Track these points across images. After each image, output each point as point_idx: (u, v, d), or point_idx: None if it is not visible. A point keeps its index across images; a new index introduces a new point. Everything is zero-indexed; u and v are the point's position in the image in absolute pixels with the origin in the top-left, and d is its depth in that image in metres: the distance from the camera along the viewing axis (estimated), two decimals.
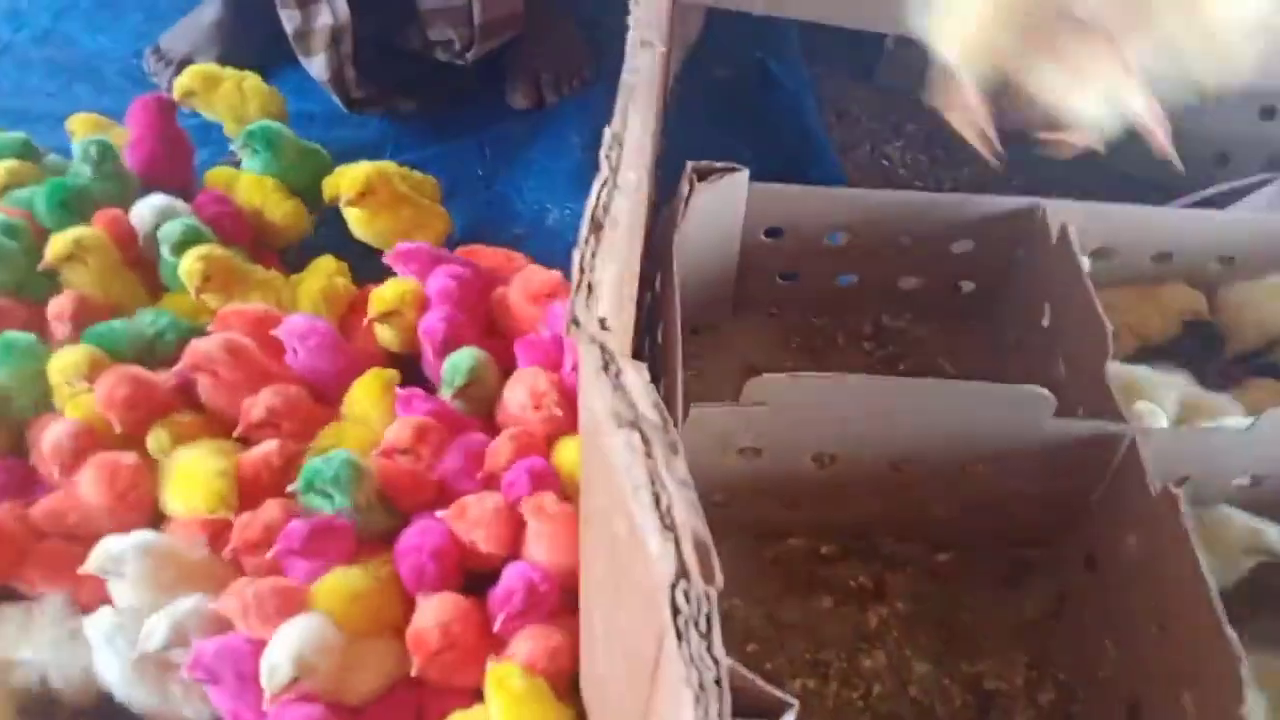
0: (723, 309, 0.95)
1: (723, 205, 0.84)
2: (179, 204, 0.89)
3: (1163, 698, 0.65)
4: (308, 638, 0.65)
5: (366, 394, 0.79)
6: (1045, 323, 0.85)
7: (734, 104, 1.10)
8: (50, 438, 0.73)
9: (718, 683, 0.33)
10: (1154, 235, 0.89)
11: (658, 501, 0.36)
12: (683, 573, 0.34)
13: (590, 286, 0.41)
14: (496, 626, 0.66)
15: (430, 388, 0.84)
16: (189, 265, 0.82)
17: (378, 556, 0.72)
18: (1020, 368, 0.89)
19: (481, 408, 0.82)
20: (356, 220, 0.90)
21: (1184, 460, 0.72)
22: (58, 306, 0.81)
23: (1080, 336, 0.77)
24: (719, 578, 0.35)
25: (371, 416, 0.79)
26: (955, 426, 0.72)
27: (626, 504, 0.37)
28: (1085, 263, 0.79)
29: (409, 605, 0.70)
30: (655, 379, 0.74)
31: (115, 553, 0.66)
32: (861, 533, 0.82)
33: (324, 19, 1.02)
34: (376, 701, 0.68)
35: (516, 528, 0.71)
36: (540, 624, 0.67)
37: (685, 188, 0.80)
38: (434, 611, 0.68)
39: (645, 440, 0.37)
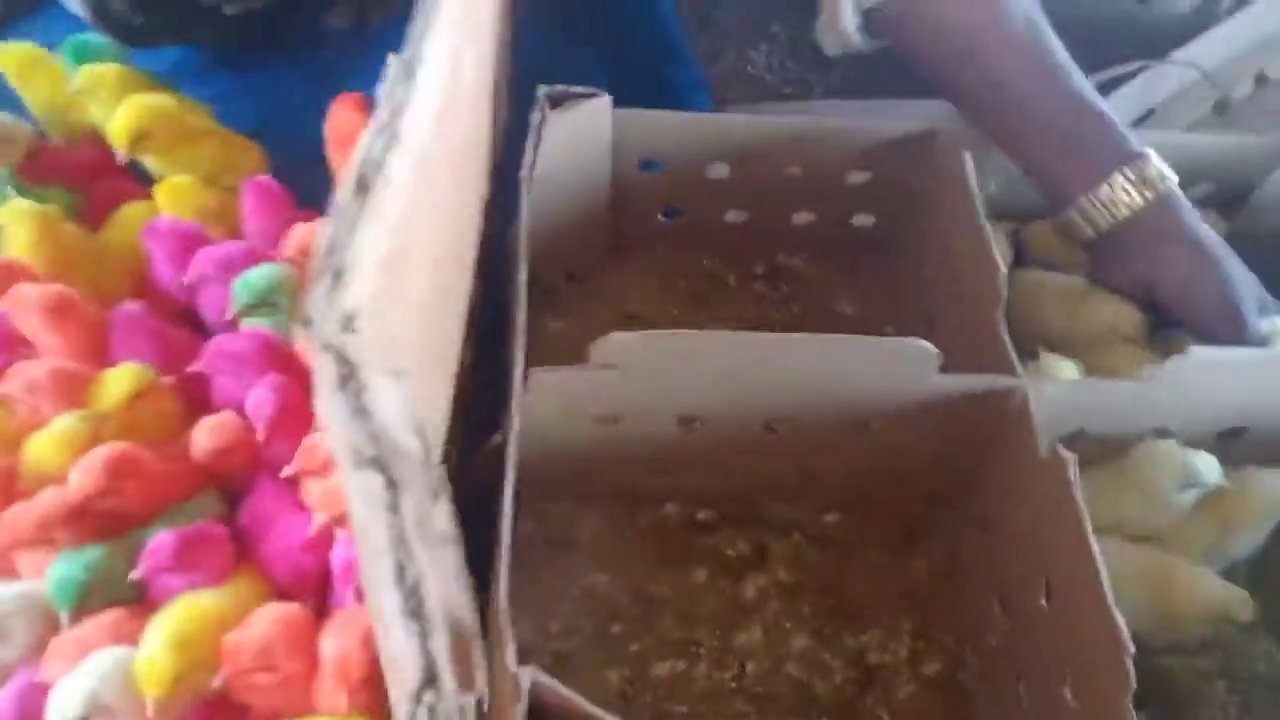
0: (599, 252, 0.86)
1: (584, 135, 0.75)
2: None
3: (1048, 674, 0.60)
4: (106, 673, 0.54)
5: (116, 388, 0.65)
6: (944, 262, 0.77)
7: (587, 14, 0.98)
8: None
9: None
10: None
11: (402, 575, 0.27)
12: (430, 678, 0.26)
13: (337, 272, 0.29)
14: None
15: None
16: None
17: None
18: (919, 310, 0.82)
19: None
20: (155, 166, 0.78)
21: (1081, 416, 0.65)
22: None
23: (974, 278, 0.69)
24: (480, 681, 0.26)
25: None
26: (832, 384, 0.64)
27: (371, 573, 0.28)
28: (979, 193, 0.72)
29: None
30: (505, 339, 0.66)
31: None
32: (742, 497, 0.75)
33: None
34: None
35: None
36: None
37: (537, 117, 0.71)
38: (262, 626, 0.57)
39: (392, 485, 0.28)
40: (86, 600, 0.57)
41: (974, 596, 0.70)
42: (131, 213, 0.75)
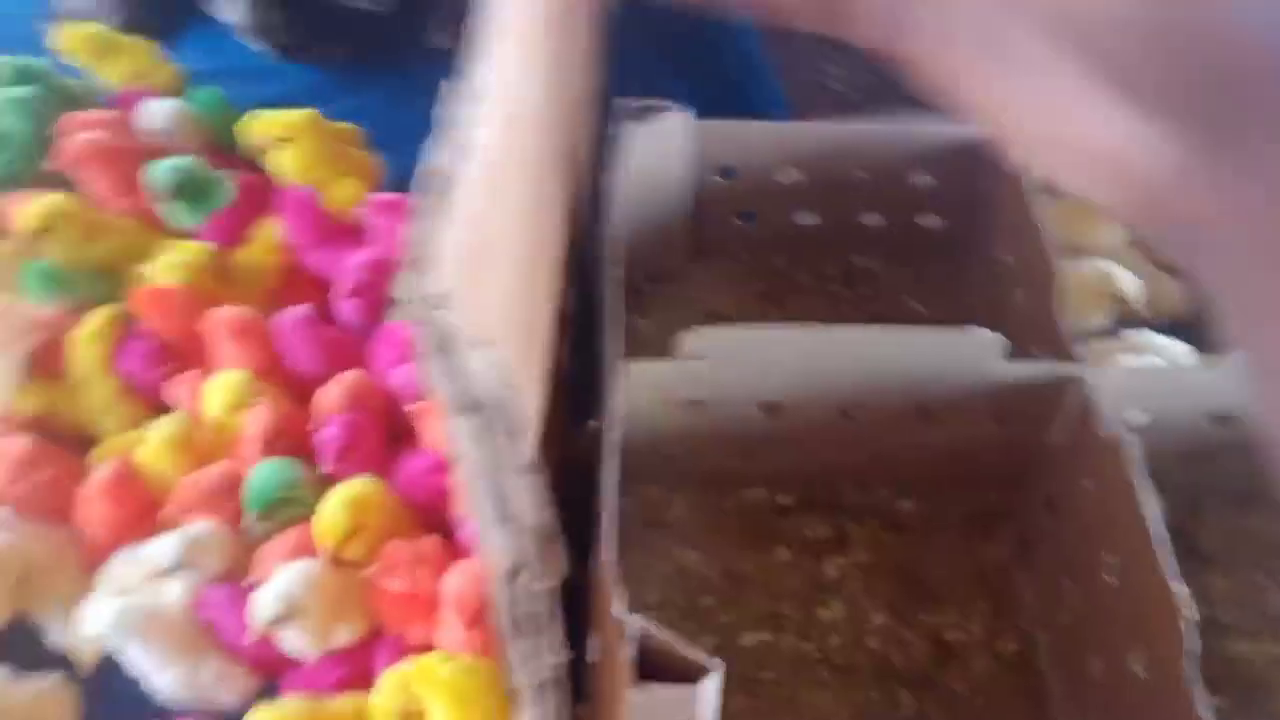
0: (683, 255, 0.92)
1: (666, 145, 0.81)
2: None
3: (1117, 647, 0.63)
4: (298, 579, 0.65)
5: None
6: (1007, 258, 0.81)
7: (672, 31, 1.05)
8: None
9: (555, 684, 0.32)
10: None
11: (497, 490, 0.34)
12: (519, 565, 0.32)
13: (422, 260, 0.35)
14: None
15: None
16: None
17: None
18: (986, 306, 0.86)
19: None
20: (288, 168, 0.87)
21: (1141, 400, 0.68)
22: None
23: (1034, 273, 0.73)
24: (562, 566, 0.33)
25: None
26: (903, 372, 0.69)
27: (473, 493, 0.35)
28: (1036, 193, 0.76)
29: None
30: (599, 333, 0.72)
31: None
32: (822, 481, 0.80)
33: None
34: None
35: None
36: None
37: (615, 130, 0.77)
38: (402, 549, 0.67)
39: (486, 425, 0.35)
40: (274, 512, 0.69)
41: (1045, 578, 0.74)
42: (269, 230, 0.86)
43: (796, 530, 0.79)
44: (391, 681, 0.61)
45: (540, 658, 0.32)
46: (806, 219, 0.91)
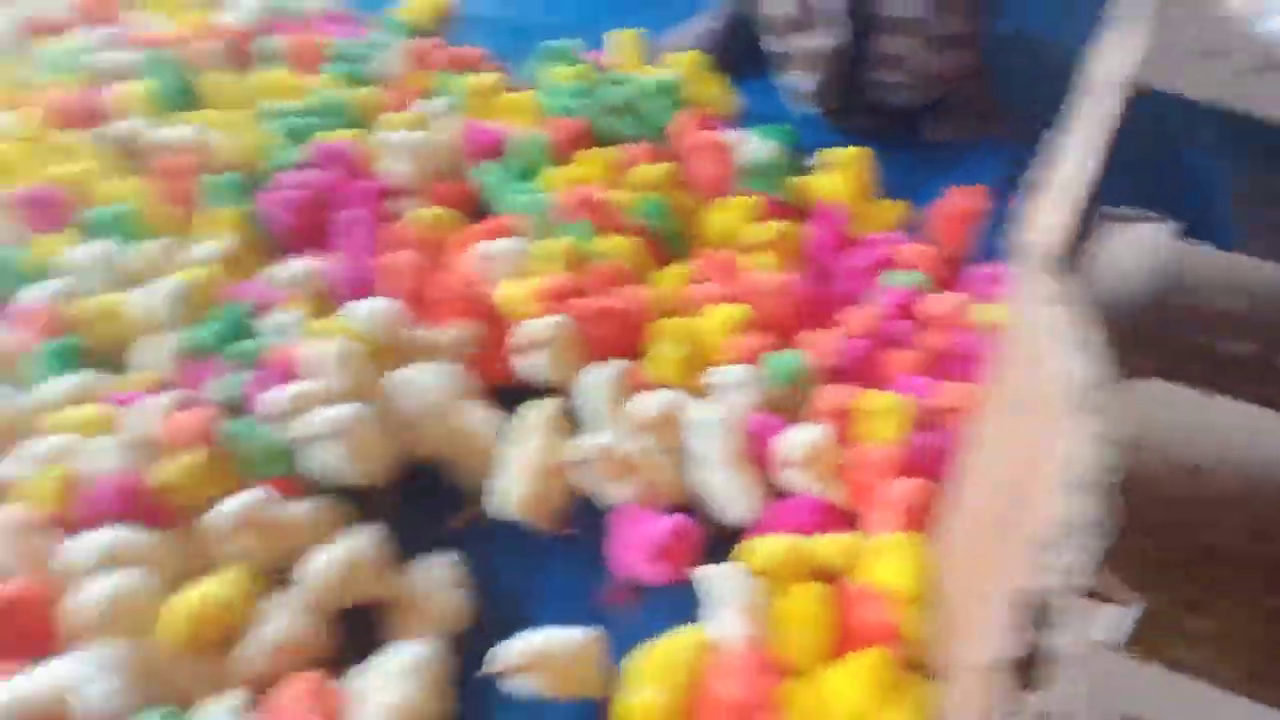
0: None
1: (1131, 251, 0.95)
2: None
3: None
4: (818, 437, 1.03)
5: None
6: None
7: (1147, 182, 1.22)
8: None
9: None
10: None
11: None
12: (1073, 526, 0.50)
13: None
14: None
15: None
16: None
17: None
18: None
19: None
20: (828, 187, 1.22)
21: None
22: None
23: None
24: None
25: None
26: None
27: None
28: None
29: None
30: None
31: None
32: None
33: (820, 41, 1.32)
34: None
35: None
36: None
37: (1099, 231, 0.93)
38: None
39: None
40: (785, 389, 1.06)
41: None
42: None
43: None
44: (828, 543, 0.91)
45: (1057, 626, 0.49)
46: (1234, 346, 1.01)
